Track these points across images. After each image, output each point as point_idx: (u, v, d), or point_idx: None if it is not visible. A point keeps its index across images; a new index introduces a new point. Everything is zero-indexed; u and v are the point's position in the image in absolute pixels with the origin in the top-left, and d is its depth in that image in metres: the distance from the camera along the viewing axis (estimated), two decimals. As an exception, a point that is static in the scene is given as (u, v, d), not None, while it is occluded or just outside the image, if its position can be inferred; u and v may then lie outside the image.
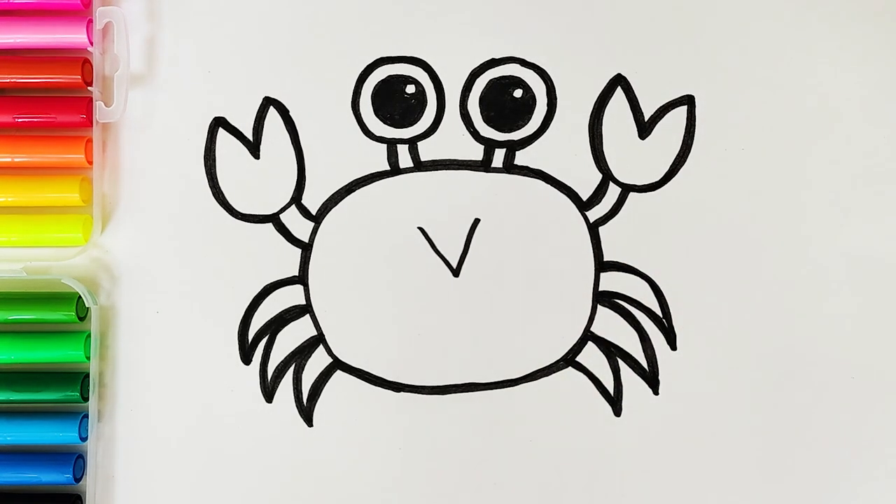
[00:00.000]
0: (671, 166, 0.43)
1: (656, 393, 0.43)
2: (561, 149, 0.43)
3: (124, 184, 0.44)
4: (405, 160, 0.44)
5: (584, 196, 0.43)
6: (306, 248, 0.44)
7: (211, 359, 0.43)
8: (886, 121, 0.43)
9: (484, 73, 0.43)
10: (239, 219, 0.44)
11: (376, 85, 0.44)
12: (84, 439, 0.43)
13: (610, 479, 0.43)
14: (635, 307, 0.43)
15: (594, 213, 0.43)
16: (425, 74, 0.43)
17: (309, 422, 0.43)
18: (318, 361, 0.43)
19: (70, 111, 0.44)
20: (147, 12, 0.45)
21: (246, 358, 0.43)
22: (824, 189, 0.43)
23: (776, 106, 0.43)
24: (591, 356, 0.43)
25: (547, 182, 0.43)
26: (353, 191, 0.44)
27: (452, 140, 0.43)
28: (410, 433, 0.43)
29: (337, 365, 0.43)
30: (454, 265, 0.43)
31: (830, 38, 0.43)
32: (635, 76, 0.43)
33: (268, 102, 0.44)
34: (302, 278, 0.44)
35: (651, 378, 0.43)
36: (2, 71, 0.43)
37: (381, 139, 0.44)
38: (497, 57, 0.43)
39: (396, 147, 0.44)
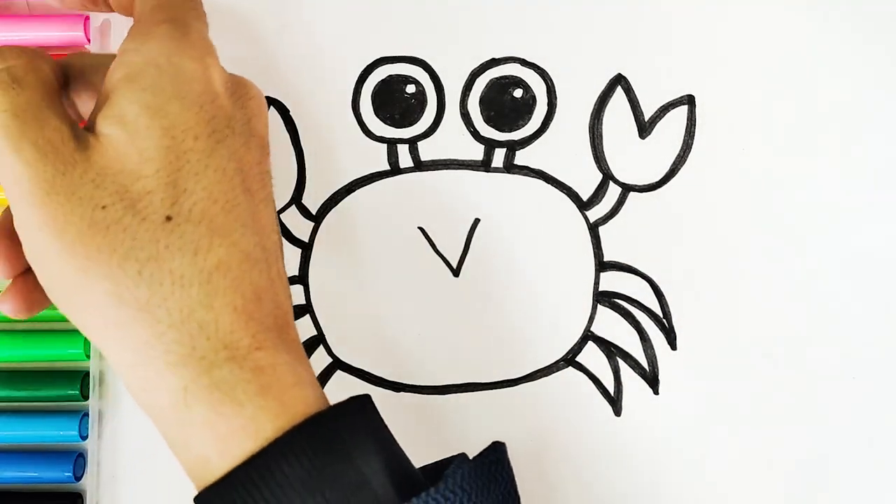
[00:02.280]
0: (671, 166, 0.43)
1: (656, 393, 0.43)
2: (561, 149, 0.43)
3: (123, 182, 0.44)
4: (405, 160, 0.43)
5: (584, 196, 0.43)
6: (306, 248, 0.44)
7: (211, 358, 0.43)
8: (887, 120, 0.43)
9: (484, 73, 0.43)
10: (239, 219, 0.44)
11: (376, 85, 0.43)
12: (84, 438, 0.43)
13: (610, 479, 0.43)
14: (635, 307, 0.43)
15: (594, 213, 0.43)
16: (425, 74, 0.43)
17: (309, 422, 0.43)
18: (318, 361, 0.43)
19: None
20: (146, 10, 0.44)
21: (246, 358, 0.43)
22: (825, 189, 0.43)
23: (776, 106, 0.43)
24: (591, 356, 0.43)
25: (547, 182, 0.43)
26: (353, 191, 0.44)
27: (452, 140, 0.43)
28: (410, 433, 0.43)
29: (337, 365, 0.43)
30: (454, 265, 0.43)
31: (831, 38, 0.43)
32: (635, 76, 0.43)
33: (268, 103, 0.44)
34: (302, 278, 0.44)
35: (651, 378, 0.43)
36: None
37: (381, 139, 0.44)
38: (497, 57, 0.43)
39: (396, 147, 0.43)
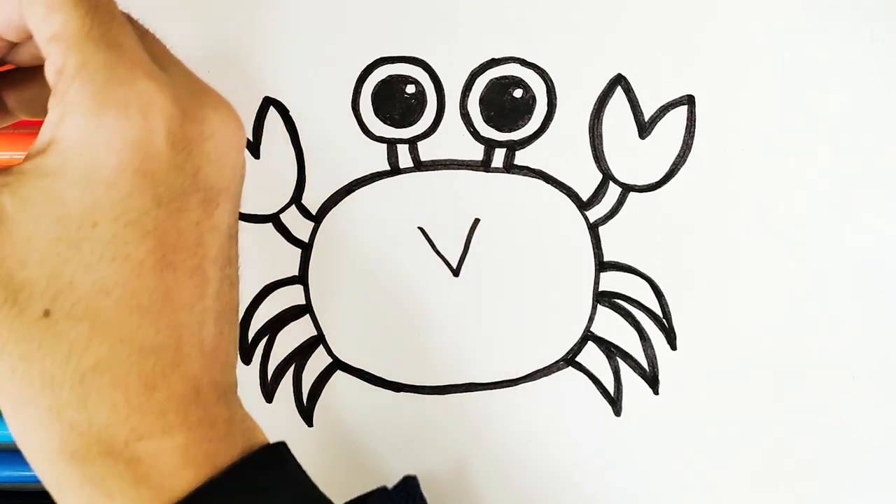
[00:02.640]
0: (671, 166, 0.43)
1: (656, 393, 0.43)
2: (561, 149, 0.43)
3: (124, 182, 0.44)
4: (405, 160, 0.43)
5: (584, 196, 0.43)
6: (306, 248, 0.44)
7: (211, 358, 0.43)
8: (887, 121, 0.43)
9: (484, 72, 0.43)
10: (239, 219, 0.43)
11: (376, 85, 0.43)
12: (85, 438, 0.43)
13: (610, 479, 0.43)
14: (635, 307, 0.43)
15: (594, 213, 0.43)
16: (425, 74, 0.43)
17: (309, 422, 0.43)
18: (318, 361, 0.43)
19: (70, 109, 0.43)
20: (145, 10, 0.44)
21: (246, 358, 0.43)
22: (825, 189, 0.43)
23: (776, 106, 0.43)
24: (591, 356, 0.43)
25: (547, 182, 0.43)
26: (353, 191, 0.44)
27: (452, 140, 0.43)
28: (410, 433, 0.43)
29: (337, 365, 0.43)
30: (454, 265, 0.43)
31: (831, 38, 0.43)
32: (635, 76, 0.43)
33: (268, 102, 0.44)
34: (302, 278, 0.44)
35: (651, 378, 0.43)
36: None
37: (381, 139, 0.43)
38: (497, 57, 0.43)
39: (396, 147, 0.43)
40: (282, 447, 0.31)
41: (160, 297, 0.27)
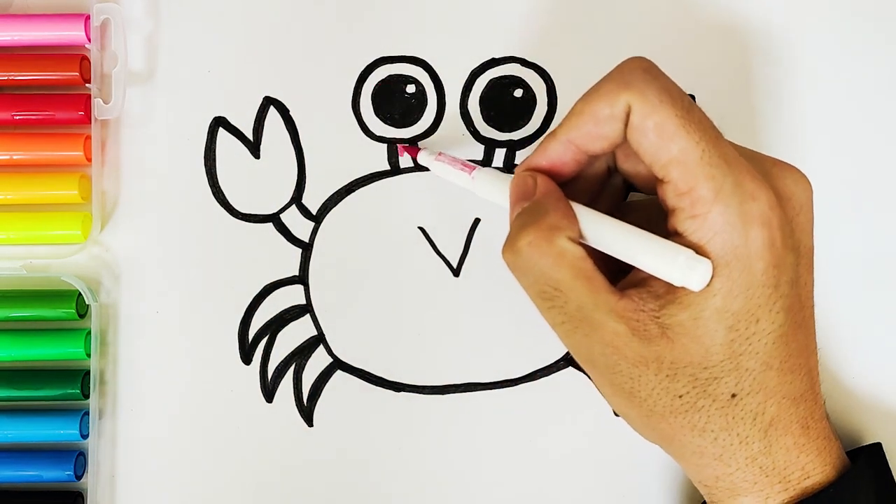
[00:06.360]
0: (671, 166, 0.43)
1: (656, 393, 0.43)
2: (561, 149, 0.43)
3: (124, 181, 0.44)
4: (405, 160, 0.43)
5: (585, 196, 0.43)
6: (306, 248, 0.44)
7: (211, 358, 0.43)
8: (887, 121, 0.43)
9: (484, 72, 0.43)
10: (239, 219, 0.44)
11: (376, 85, 0.43)
12: (85, 437, 0.43)
13: (610, 480, 0.43)
14: (635, 307, 0.43)
15: (594, 213, 0.43)
16: (425, 74, 0.43)
17: (309, 422, 0.43)
18: (318, 361, 0.43)
19: (68, 108, 0.43)
20: (146, 10, 0.44)
21: (246, 358, 0.43)
22: (824, 189, 0.43)
23: (776, 106, 0.43)
24: (591, 356, 0.43)
25: (547, 182, 0.43)
26: (353, 191, 0.44)
27: (453, 140, 0.43)
28: (410, 433, 0.43)
29: (337, 365, 0.43)
30: (454, 265, 0.43)
31: (831, 39, 0.43)
32: (636, 76, 0.43)
33: (268, 102, 0.44)
34: (302, 278, 0.44)
35: (650, 378, 0.43)
36: (0, 68, 0.43)
37: (381, 139, 0.43)
38: (497, 57, 0.43)
39: (397, 147, 0.43)
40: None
41: (799, 352, 0.34)
